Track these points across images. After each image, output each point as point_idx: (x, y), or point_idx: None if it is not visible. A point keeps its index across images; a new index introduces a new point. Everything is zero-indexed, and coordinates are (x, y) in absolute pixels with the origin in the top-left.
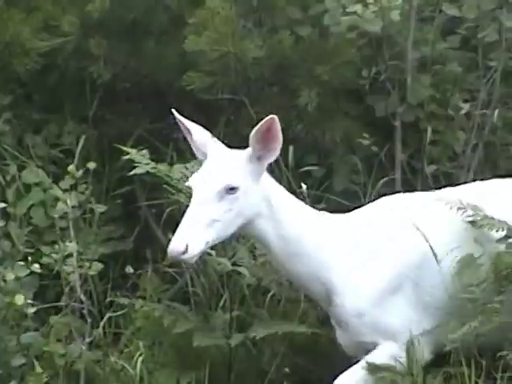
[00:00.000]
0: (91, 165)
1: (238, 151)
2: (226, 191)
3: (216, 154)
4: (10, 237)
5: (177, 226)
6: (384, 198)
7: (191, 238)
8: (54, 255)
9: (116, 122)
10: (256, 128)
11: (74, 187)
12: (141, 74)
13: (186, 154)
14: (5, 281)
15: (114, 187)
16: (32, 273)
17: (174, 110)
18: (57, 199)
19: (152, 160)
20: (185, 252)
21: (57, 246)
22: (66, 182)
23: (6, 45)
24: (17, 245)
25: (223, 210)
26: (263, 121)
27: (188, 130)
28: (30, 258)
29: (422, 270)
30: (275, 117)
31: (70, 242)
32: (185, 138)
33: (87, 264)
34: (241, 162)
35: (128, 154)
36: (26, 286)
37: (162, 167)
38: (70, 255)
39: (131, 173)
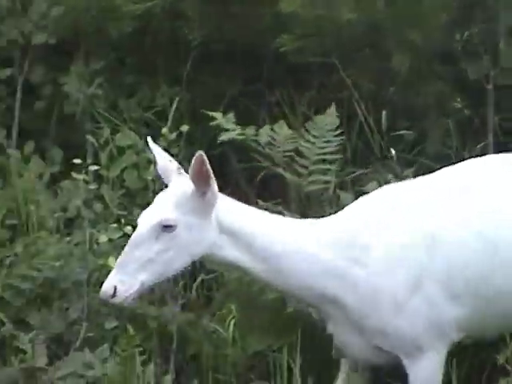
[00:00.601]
0: (184, 127)
1: (187, 187)
2: (162, 229)
3: (169, 188)
4: (103, 199)
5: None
6: (373, 192)
7: (121, 280)
8: None
9: (209, 84)
10: (190, 167)
11: (166, 150)
12: (234, 35)
13: (279, 116)
14: (98, 243)
15: (206, 149)
16: (125, 235)
17: (149, 138)
18: (150, 162)
19: (243, 123)
20: (113, 296)
21: None
22: (159, 145)
23: (101, 9)
24: (110, 207)
25: (159, 249)
26: (194, 158)
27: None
28: (122, 221)
29: (434, 258)
30: (202, 153)
31: None
32: (278, 102)
33: None
34: (182, 199)
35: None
36: (119, 249)
37: (249, 131)
38: None
39: (219, 139)
